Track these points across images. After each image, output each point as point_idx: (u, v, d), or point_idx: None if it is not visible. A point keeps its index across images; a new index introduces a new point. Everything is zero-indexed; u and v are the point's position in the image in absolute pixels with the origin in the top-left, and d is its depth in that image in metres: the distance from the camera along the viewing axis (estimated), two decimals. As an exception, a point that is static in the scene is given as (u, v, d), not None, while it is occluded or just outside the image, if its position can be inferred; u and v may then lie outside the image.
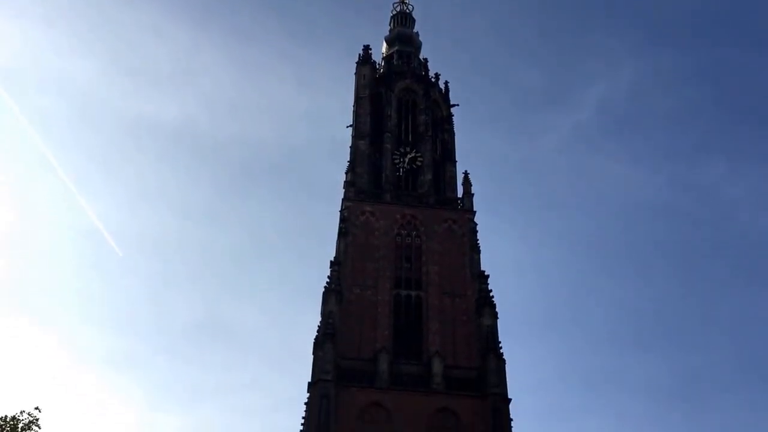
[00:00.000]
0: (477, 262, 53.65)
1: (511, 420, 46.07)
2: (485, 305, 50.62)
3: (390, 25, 73.61)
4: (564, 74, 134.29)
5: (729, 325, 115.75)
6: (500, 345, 48.99)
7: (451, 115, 64.92)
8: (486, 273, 52.71)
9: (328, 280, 50.83)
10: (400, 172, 59.88)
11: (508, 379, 47.37)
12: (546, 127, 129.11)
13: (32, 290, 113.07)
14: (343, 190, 57.19)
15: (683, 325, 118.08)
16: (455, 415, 45.99)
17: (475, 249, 54.27)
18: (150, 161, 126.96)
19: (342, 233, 53.99)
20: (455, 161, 61.48)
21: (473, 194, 57.79)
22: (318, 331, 48.89)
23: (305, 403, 47.56)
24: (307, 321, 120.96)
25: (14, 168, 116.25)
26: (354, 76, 64.94)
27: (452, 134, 63.62)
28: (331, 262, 52.30)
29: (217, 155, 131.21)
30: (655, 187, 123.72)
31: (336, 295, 49.82)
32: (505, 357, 48.41)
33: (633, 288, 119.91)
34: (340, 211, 56.18)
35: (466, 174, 59.03)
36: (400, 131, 62.62)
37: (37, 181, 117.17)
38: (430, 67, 68.13)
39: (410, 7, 74.24)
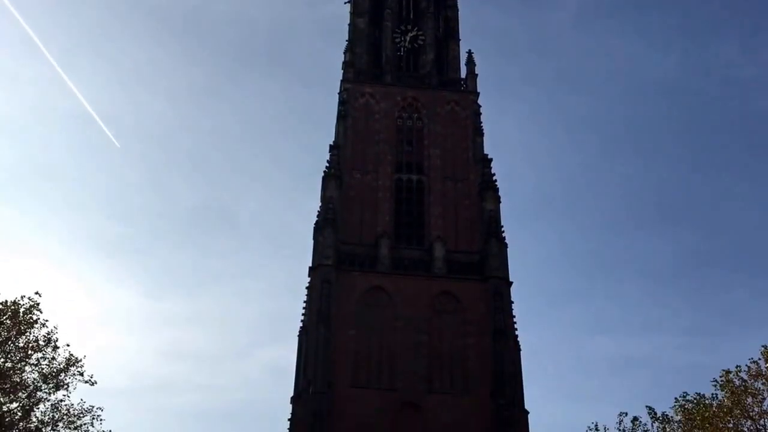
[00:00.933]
0: (480, 145, 52.42)
1: (512, 302, 46.36)
2: (488, 189, 49.86)
3: None
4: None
5: (733, 205, 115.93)
6: (502, 229, 48.60)
7: (455, -10, 61.81)
8: (489, 156, 51.65)
9: (327, 164, 49.87)
10: (401, 52, 57.70)
11: (509, 263, 47.34)
12: (556, 1, 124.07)
13: (27, 177, 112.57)
14: (342, 72, 55.31)
15: (687, 207, 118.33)
16: (456, 298, 46.13)
17: (478, 132, 52.90)
18: (139, 42, 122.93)
19: (341, 116, 52.52)
20: (459, 40, 59.01)
21: (477, 75, 55.82)
22: (318, 216, 48.45)
23: (306, 288, 47.79)
24: (307, 206, 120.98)
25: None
26: (352, -52, 61.38)
27: (456, 11, 60.70)
28: (330, 146, 51.20)
29: (210, 35, 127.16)
30: (666, 67, 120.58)
31: (336, 179, 48.97)
32: (507, 241, 48.20)
33: (637, 169, 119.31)
34: (339, 93, 54.54)
35: (469, 53, 56.73)
36: (401, 8, 59.87)
37: (23, 65, 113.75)
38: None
39: None
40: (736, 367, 29.39)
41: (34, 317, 29.12)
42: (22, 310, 29.05)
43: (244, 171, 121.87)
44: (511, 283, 46.64)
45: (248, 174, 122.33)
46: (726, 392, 29.00)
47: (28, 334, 28.94)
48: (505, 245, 47.85)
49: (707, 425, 28.07)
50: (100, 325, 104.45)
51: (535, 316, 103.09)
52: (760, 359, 28.90)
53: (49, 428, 27.97)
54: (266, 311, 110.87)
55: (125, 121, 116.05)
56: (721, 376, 29.46)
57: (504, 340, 44.27)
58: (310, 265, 47.00)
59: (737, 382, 28.95)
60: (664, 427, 31.80)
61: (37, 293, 29.41)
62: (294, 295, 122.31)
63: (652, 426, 33.11)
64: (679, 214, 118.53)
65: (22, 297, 29.34)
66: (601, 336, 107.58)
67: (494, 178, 50.57)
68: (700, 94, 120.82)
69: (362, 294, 45.58)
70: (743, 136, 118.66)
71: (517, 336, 45.59)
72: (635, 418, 33.99)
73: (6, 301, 29.05)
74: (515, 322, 45.95)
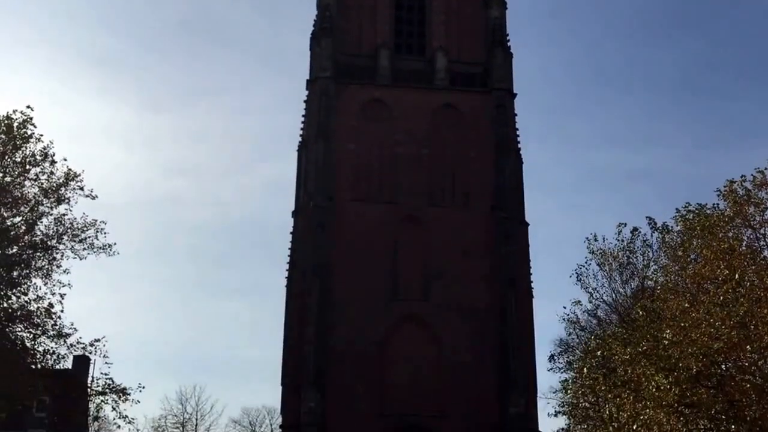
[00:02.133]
0: (486, -54, 48.87)
1: (515, 115, 45.52)
2: (493, -6, 47.24)
3: None
4: None
5: (739, 12, 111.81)
6: (508, 38, 46.66)
7: None
8: (495, -42, 48.32)
9: (323, -32, 46.82)
10: None
11: (514, 74, 46.00)
12: None
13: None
14: None
15: (693, 14, 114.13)
16: (458, 110, 45.19)
17: (485, -70, 49.11)
18: None
19: None
20: None
21: None
22: (314, 26, 46.35)
23: (305, 101, 46.67)
24: (302, 15, 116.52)
25: None
26: None
27: None
28: (325, -53, 47.73)
29: None
30: None
31: (332, -15, 46.19)
32: (512, 51, 46.37)
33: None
34: None
35: None
36: None
37: None
38: None
39: None
40: (741, 176, 28.63)
41: (29, 132, 28.25)
42: (15, 124, 28.16)
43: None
44: (515, 94, 45.55)
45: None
46: (728, 202, 28.58)
47: (24, 149, 28.21)
48: (510, 55, 46.14)
49: (707, 234, 27.99)
50: (99, 140, 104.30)
51: (538, 128, 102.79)
52: (766, 169, 28.18)
53: (54, 241, 28.12)
54: (266, 126, 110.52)
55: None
56: (724, 186, 28.85)
57: (506, 153, 43.96)
58: (308, 77, 45.63)
59: (741, 192, 28.39)
60: (663, 237, 31.92)
61: (29, 107, 28.36)
62: (292, 110, 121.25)
63: (652, 236, 33.28)
64: (684, 22, 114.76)
65: (14, 111, 28.33)
66: (605, 149, 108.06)
67: (500, -19, 47.74)
68: None
69: (362, 107, 44.58)
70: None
71: (519, 149, 45.23)
72: (635, 229, 34.13)
73: (-1, 116, 28.09)
74: (518, 135, 45.45)
